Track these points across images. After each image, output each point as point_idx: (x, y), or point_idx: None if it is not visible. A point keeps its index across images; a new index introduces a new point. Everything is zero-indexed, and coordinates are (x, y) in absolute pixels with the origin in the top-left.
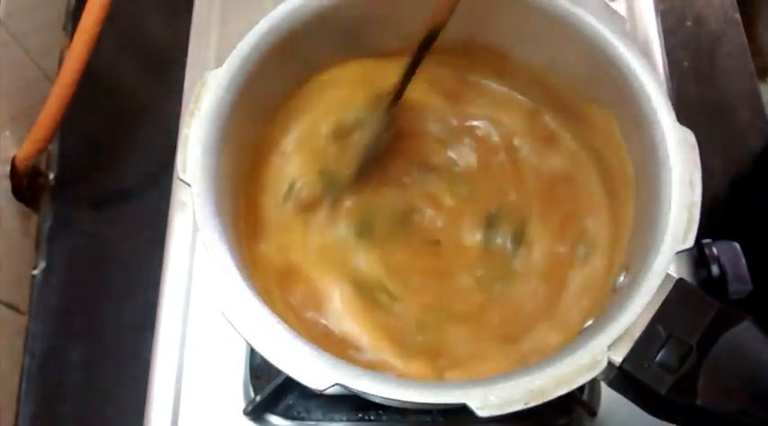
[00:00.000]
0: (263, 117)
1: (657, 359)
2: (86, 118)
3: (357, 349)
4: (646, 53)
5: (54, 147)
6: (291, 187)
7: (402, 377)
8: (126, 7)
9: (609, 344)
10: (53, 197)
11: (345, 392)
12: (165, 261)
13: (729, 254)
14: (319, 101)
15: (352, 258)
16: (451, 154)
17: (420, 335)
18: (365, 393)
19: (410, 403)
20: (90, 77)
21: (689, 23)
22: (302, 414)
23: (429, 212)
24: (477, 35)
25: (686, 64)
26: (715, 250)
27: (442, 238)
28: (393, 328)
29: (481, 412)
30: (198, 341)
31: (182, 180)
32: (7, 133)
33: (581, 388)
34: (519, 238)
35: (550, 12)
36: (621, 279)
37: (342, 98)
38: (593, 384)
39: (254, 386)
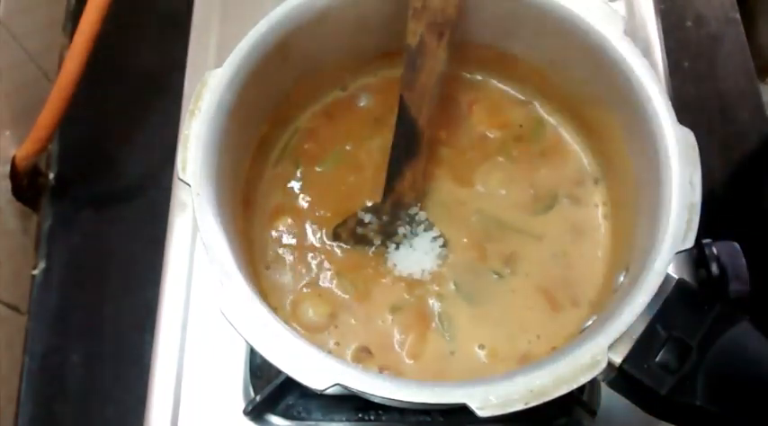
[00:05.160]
0: (263, 117)
1: (657, 359)
2: (86, 118)
3: None
4: (646, 53)
5: (54, 147)
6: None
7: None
8: (126, 8)
9: (609, 344)
10: (53, 197)
11: (345, 392)
12: (165, 261)
13: (729, 254)
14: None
15: None
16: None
17: None
18: (365, 393)
19: (410, 403)
20: (90, 78)
21: (689, 23)
22: (302, 414)
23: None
24: (477, 35)
25: (686, 64)
26: (715, 250)
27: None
28: None
29: (481, 413)
30: (198, 341)
31: (182, 180)
32: (7, 133)
33: (581, 388)
34: None
35: (550, 12)
36: (622, 278)
37: None
38: (593, 384)
39: (254, 386)
